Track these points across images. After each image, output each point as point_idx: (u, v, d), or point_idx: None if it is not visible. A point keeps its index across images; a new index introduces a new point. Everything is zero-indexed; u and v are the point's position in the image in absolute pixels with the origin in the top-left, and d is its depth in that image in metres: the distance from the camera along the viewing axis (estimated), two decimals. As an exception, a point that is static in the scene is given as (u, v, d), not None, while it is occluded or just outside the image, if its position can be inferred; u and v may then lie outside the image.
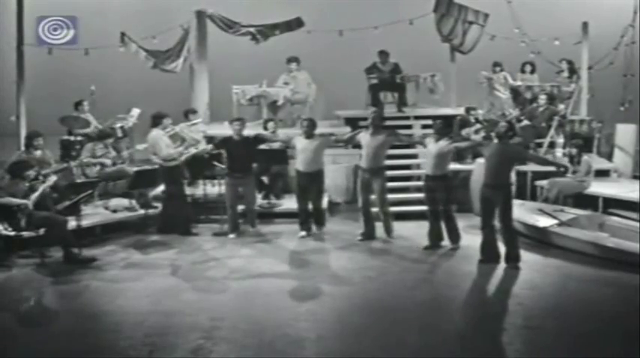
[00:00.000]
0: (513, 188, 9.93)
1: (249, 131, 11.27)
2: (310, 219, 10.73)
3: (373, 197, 10.43)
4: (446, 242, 9.98)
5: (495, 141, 9.47)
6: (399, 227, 10.54)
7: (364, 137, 10.43)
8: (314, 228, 10.75)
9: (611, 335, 7.13)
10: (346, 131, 12.60)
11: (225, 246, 10.23)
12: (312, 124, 10.65)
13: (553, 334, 7.17)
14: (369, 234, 10.43)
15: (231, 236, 10.59)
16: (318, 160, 10.59)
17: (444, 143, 9.84)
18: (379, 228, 10.49)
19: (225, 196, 10.73)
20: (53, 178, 9.63)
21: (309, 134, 10.56)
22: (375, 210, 10.48)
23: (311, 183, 10.52)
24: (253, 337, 7.02)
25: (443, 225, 9.94)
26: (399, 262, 9.44)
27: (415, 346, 6.91)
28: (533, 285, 8.62)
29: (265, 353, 6.74)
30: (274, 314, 7.60)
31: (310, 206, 10.69)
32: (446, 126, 10.16)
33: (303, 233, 10.63)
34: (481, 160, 11.60)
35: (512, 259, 9.13)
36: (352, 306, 7.90)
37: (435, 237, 9.99)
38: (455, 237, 9.95)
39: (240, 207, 10.81)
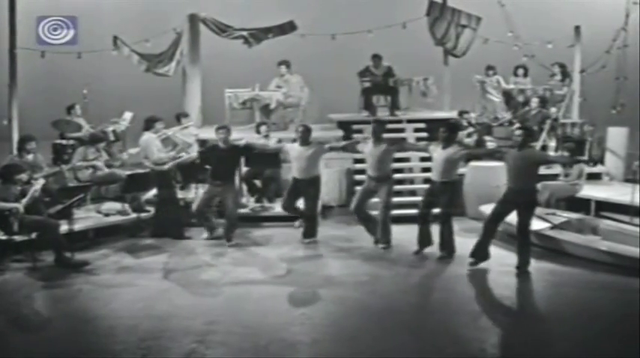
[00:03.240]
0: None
1: (243, 135, 11.23)
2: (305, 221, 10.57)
3: (375, 200, 10.26)
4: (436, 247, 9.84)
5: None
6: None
7: (367, 147, 10.23)
8: (303, 238, 10.50)
9: (602, 338, 7.13)
10: (338, 135, 12.67)
11: (218, 249, 10.19)
12: (307, 131, 10.42)
13: (545, 337, 7.18)
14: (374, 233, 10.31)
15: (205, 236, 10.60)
16: (314, 167, 10.38)
17: (452, 150, 9.52)
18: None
19: (199, 199, 10.57)
20: (41, 181, 9.53)
21: (305, 141, 10.39)
22: (375, 213, 10.34)
23: (307, 189, 10.37)
24: (247, 341, 7.00)
25: (439, 232, 9.68)
26: (393, 266, 9.42)
27: (409, 349, 6.90)
28: (525, 288, 8.65)
29: (260, 356, 6.72)
30: (268, 318, 7.57)
31: (302, 207, 10.54)
32: (451, 133, 9.67)
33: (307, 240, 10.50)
34: (474, 164, 11.68)
35: (523, 265, 9.09)
36: (346, 310, 7.89)
37: (424, 241, 9.87)
38: (449, 247, 9.63)
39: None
